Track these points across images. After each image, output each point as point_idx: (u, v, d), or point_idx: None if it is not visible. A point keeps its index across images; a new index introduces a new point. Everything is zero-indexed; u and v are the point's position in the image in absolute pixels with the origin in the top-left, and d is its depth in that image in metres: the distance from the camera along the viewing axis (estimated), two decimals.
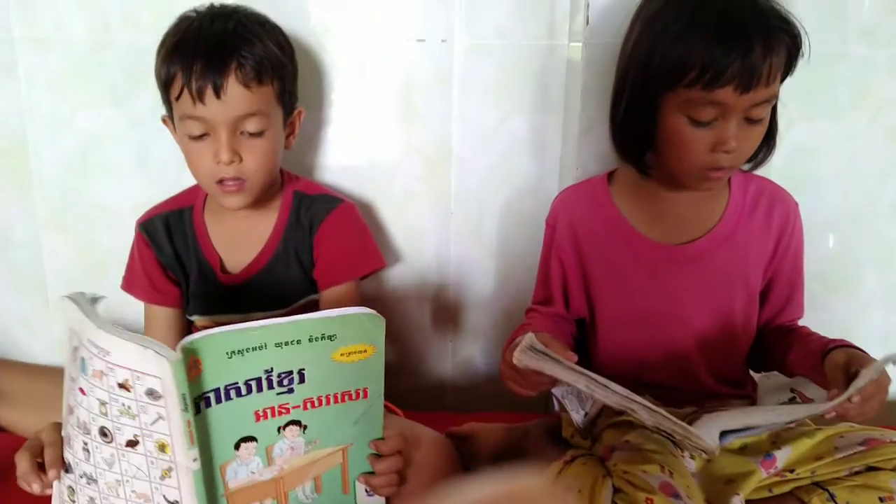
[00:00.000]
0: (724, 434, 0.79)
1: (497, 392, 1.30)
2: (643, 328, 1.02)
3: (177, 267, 1.10)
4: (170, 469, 0.71)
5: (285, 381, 0.74)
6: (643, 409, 0.77)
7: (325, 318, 0.74)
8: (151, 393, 0.69)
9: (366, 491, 0.85)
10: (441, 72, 1.17)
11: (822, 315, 1.13)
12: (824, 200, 1.20)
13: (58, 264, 1.29)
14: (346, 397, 0.78)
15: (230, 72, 0.95)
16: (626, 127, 0.98)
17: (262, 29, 1.02)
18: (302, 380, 0.75)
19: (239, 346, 0.70)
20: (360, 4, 1.16)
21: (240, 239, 1.10)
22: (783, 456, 0.88)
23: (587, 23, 1.07)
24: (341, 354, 0.75)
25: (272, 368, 0.73)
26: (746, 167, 1.00)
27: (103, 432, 0.72)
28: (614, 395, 0.78)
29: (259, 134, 1.00)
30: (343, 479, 0.84)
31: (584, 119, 1.12)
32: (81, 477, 0.76)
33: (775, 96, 0.91)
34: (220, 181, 1.00)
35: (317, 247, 1.09)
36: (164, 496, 0.73)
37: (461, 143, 1.21)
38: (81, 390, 0.73)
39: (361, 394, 0.79)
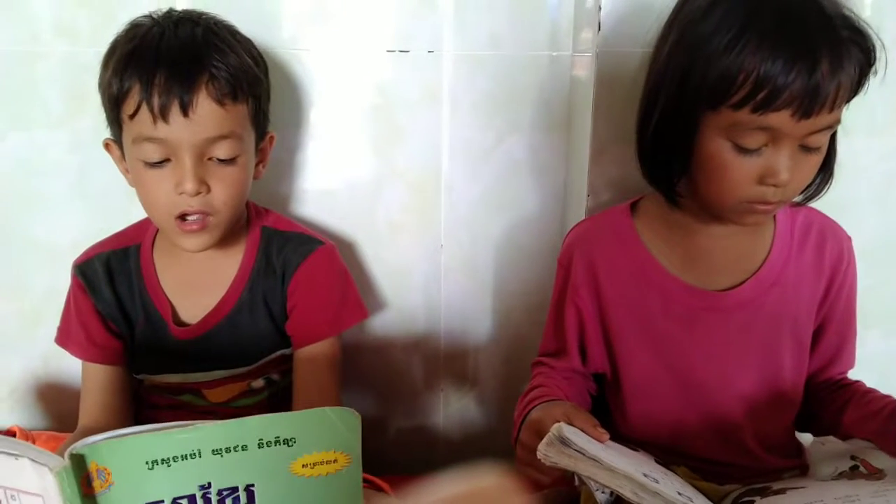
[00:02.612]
0: None
1: (496, 448, 1.17)
2: (678, 388, 0.86)
3: (119, 317, 0.94)
4: None
5: (228, 502, 0.58)
6: None
7: (281, 418, 0.57)
8: None
9: None
10: (428, 86, 1.04)
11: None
12: (860, 226, 1.06)
13: None
14: None
15: (201, 85, 0.81)
16: (657, 148, 0.83)
17: (233, 39, 0.88)
18: (251, 499, 0.58)
19: (162, 453, 0.55)
20: (336, 13, 1.02)
21: (197, 283, 0.94)
22: None
23: (599, 29, 0.93)
24: (303, 466, 0.58)
25: (209, 484, 0.57)
26: (796, 199, 0.86)
27: None
28: None
29: (230, 161, 0.85)
30: None
31: (596, 140, 0.98)
32: None
33: (838, 122, 0.76)
34: (182, 216, 0.84)
35: (291, 298, 0.94)
36: None
37: (452, 168, 1.07)
38: None
39: None
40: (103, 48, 0.87)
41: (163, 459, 0.55)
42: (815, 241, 0.88)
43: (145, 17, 0.87)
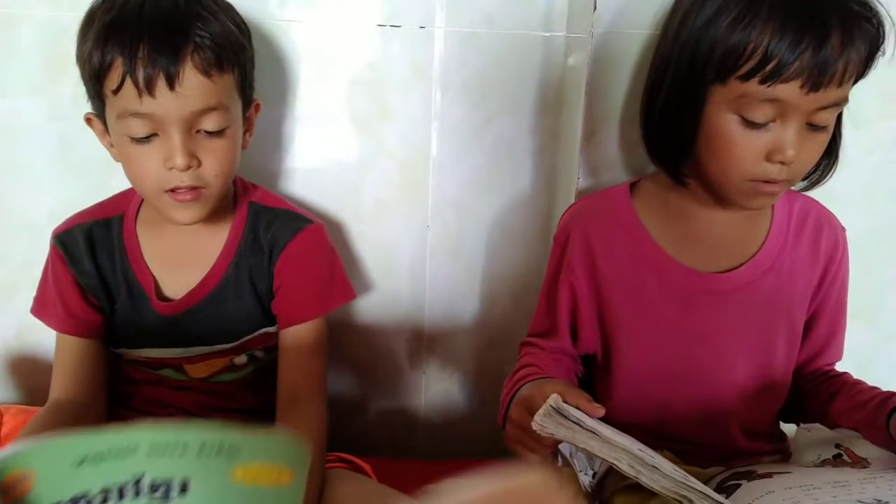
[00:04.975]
0: None
1: (476, 433, 1.16)
2: (670, 370, 0.86)
3: (100, 289, 0.91)
4: None
5: (159, 492, 0.53)
6: (704, 501, 0.62)
7: (225, 434, 0.53)
8: None
9: None
10: (419, 63, 1.02)
11: None
12: (844, 218, 1.07)
13: None
14: None
15: (186, 56, 0.78)
16: (663, 126, 0.82)
17: (215, 5, 0.84)
18: (184, 490, 0.53)
19: (94, 449, 0.52)
20: None
21: (181, 258, 0.92)
22: None
23: (594, 9, 0.92)
24: (244, 472, 0.54)
25: (143, 474, 0.53)
26: (800, 186, 0.85)
27: None
28: (667, 479, 0.62)
29: (219, 133, 0.83)
30: None
31: (588, 121, 0.96)
32: None
33: (846, 100, 0.76)
34: (173, 189, 0.82)
35: (278, 276, 0.92)
36: None
37: (440, 146, 1.05)
38: None
39: None
40: (83, 12, 0.83)
41: (93, 456, 0.51)
42: (812, 229, 0.88)
43: None
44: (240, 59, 0.85)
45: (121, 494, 0.52)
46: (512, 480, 0.54)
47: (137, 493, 0.52)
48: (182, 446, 0.52)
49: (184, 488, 0.53)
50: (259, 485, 0.54)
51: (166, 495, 0.53)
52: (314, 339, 0.92)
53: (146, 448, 0.52)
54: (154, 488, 0.53)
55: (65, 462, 0.51)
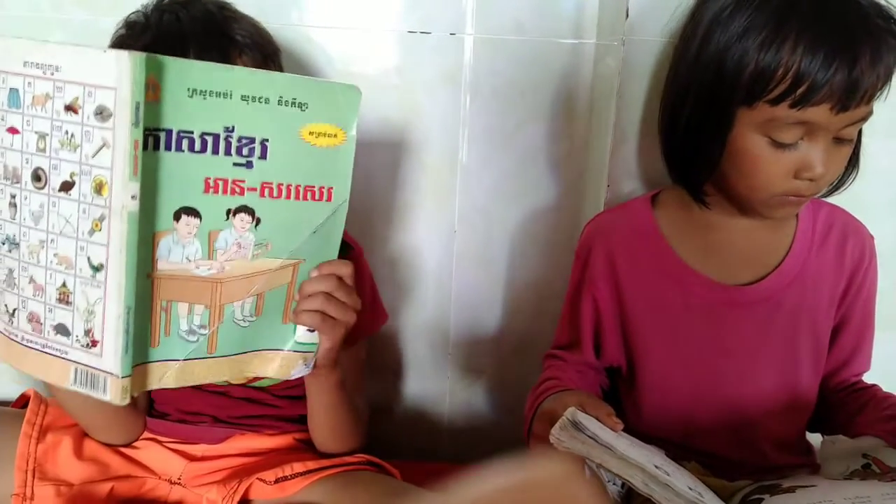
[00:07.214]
0: None
1: (500, 439, 1.16)
2: (694, 383, 0.85)
3: None
4: (102, 218, 0.59)
5: (245, 151, 0.64)
6: None
7: (300, 80, 0.65)
8: (101, 112, 0.57)
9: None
10: (448, 69, 1.02)
11: None
12: (874, 229, 1.06)
13: None
14: (309, 194, 0.68)
15: (234, 58, 0.79)
16: (688, 146, 0.82)
17: (235, 9, 0.85)
18: (264, 154, 0.65)
19: (202, 84, 0.60)
20: None
21: None
22: None
23: (627, 17, 0.92)
24: (310, 133, 0.66)
25: (233, 127, 0.63)
26: (821, 193, 0.85)
27: (37, 175, 0.61)
28: (680, 498, 0.62)
29: None
30: (286, 304, 0.72)
31: (619, 129, 0.96)
32: (3, 244, 0.64)
33: (871, 112, 0.75)
34: None
35: None
36: (88, 258, 0.60)
37: (469, 152, 1.05)
38: (12, 129, 0.61)
39: (326, 194, 0.69)
40: (122, 15, 0.83)
41: (201, 91, 0.60)
42: (837, 238, 0.87)
43: (136, 13, 0.82)
44: (276, 59, 0.85)
45: (215, 146, 0.62)
46: (534, 471, 0.53)
47: (228, 151, 0.63)
48: (265, 96, 0.63)
49: (264, 151, 0.64)
50: (320, 145, 0.67)
51: (249, 157, 0.64)
52: (354, 362, 0.91)
53: (239, 94, 0.62)
54: (240, 149, 0.63)
55: (182, 86, 0.59)
